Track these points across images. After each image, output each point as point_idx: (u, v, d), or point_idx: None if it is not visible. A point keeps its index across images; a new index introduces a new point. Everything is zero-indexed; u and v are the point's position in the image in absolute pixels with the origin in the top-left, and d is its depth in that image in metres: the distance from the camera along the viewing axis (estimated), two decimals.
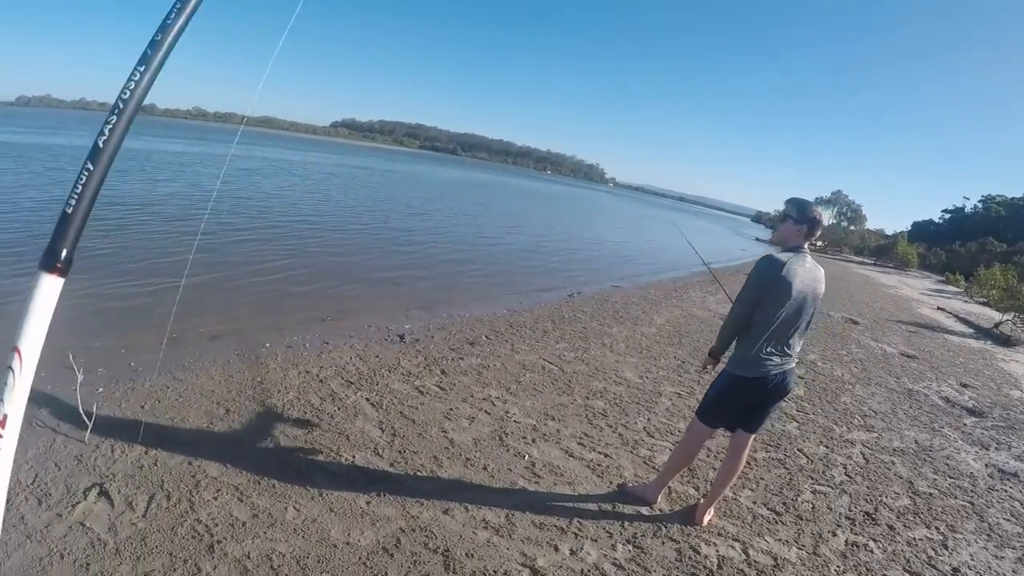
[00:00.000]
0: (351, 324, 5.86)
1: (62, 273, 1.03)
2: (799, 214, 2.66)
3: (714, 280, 14.04)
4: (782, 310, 2.56)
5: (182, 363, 4.39)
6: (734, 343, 2.76)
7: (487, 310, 7.28)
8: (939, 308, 17.00)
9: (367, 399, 4.07)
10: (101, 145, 1.05)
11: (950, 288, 26.72)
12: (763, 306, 2.58)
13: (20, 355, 0.99)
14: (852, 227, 58.65)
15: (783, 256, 2.59)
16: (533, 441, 3.77)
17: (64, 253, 1.03)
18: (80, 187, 1.04)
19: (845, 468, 4.17)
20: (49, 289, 1.00)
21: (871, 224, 61.94)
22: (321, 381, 4.30)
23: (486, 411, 4.13)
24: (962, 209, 56.94)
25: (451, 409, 4.07)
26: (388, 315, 6.38)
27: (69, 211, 1.03)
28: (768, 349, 2.64)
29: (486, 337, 5.92)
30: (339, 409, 3.86)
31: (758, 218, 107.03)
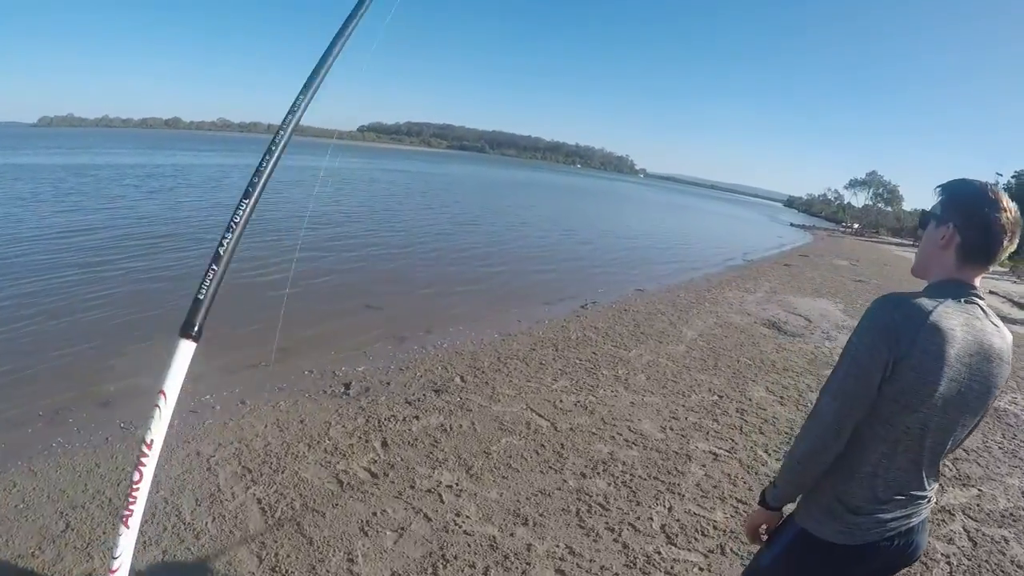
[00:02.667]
0: (289, 369, 4.64)
1: (195, 340, 1.30)
2: (944, 207, 1.26)
3: (751, 275, 12.69)
4: (917, 414, 1.17)
5: (48, 445, 3.28)
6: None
7: (474, 335, 5.97)
8: (991, 292, 15.17)
9: (259, 499, 2.83)
10: (222, 253, 1.32)
11: (995, 268, 24.57)
12: (880, 406, 1.19)
13: (165, 396, 1.26)
14: (889, 208, 55.33)
15: (926, 303, 1.17)
16: (484, 573, 2.44)
17: (196, 326, 1.30)
18: (208, 282, 1.32)
19: (948, 563, 2.88)
20: (185, 350, 1.27)
21: (907, 204, 58.45)
22: (209, 469, 3.09)
23: (426, 514, 2.82)
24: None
25: (375, 514, 2.79)
26: (343, 353, 5.14)
27: (201, 297, 1.30)
28: (885, 491, 1.26)
29: (461, 379, 4.62)
30: (213, 520, 2.64)
31: (790, 203, 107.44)
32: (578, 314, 7.40)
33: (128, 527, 1.23)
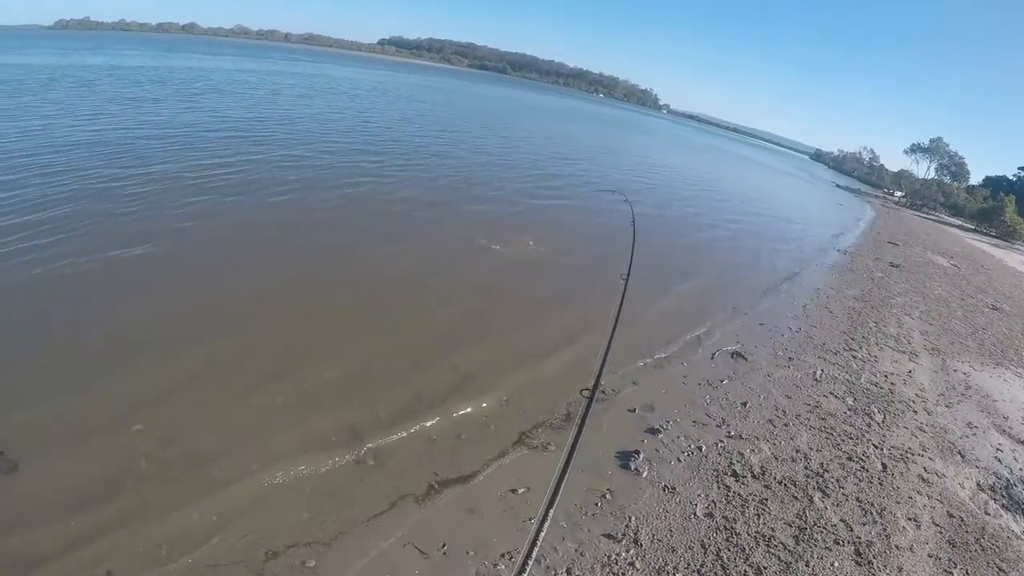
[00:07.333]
0: None
1: None
2: None
3: (876, 298, 8.23)
4: None
5: None
6: None
7: None
8: None
9: None
10: None
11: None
12: None
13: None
14: (956, 183, 47.92)
15: None
16: None
17: None
18: None
19: None
20: None
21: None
22: None
23: None
24: None
25: None
26: None
27: None
28: None
29: None
30: None
31: (818, 156, 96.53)
32: (626, 518, 2.83)
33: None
